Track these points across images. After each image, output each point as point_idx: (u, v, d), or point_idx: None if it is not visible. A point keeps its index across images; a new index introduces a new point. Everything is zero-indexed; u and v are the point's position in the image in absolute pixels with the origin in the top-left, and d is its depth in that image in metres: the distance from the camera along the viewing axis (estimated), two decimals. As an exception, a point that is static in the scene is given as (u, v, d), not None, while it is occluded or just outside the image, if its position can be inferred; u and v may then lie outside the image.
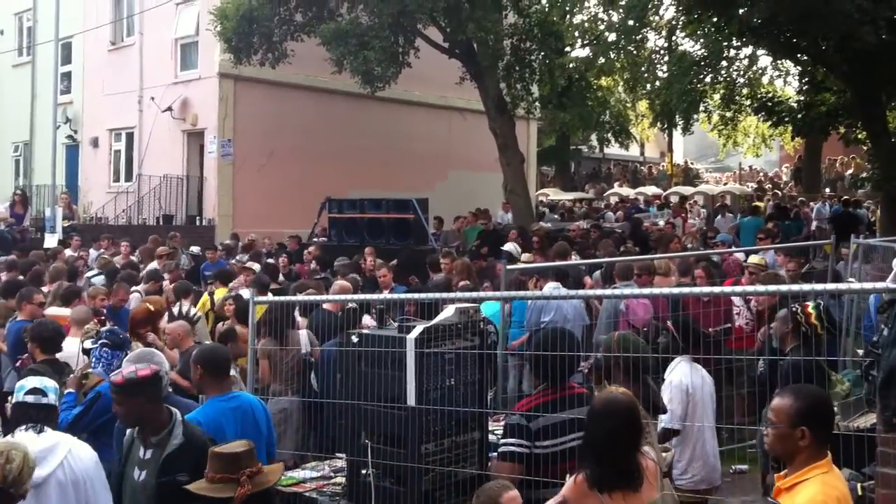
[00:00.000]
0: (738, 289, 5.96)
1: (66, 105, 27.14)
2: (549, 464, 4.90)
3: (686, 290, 6.00)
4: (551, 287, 9.52)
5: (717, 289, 6.01)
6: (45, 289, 10.65)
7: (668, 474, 5.31)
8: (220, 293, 11.35)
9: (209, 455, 4.08)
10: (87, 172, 27.32)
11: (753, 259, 11.25)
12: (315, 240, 19.29)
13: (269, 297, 9.06)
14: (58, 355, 6.90)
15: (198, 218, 23.70)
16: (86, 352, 6.71)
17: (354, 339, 5.75)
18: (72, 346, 7.15)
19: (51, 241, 19.42)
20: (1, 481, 3.66)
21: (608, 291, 7.12)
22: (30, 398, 4.44)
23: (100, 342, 6.47)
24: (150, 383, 4.62)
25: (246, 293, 9.55)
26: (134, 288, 11.60)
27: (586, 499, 4.06)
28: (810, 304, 6.54)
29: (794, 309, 6.45)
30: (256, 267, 12.72)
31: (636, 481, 4.05)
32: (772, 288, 6.12)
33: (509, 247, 14.77)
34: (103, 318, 8.08)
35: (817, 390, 3.93)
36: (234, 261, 15.49)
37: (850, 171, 34.50)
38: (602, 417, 4.09)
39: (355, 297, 9.04)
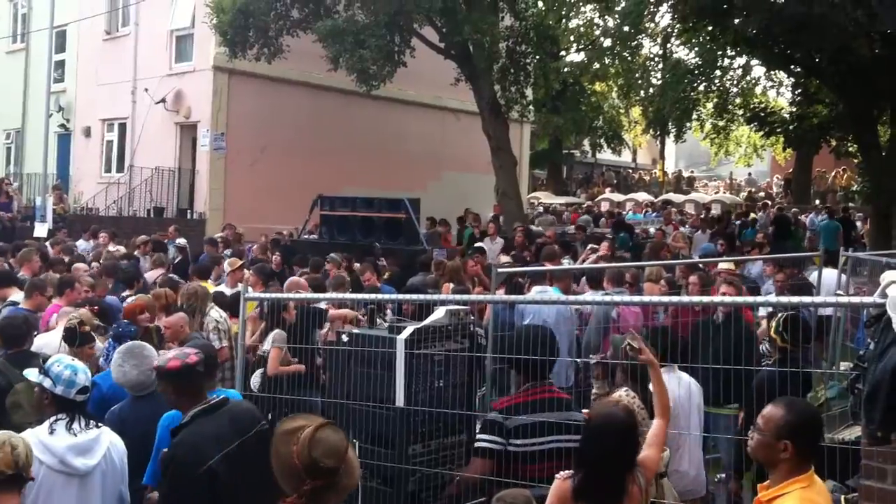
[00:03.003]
0: (727, 299, 5.99)
1: (59, 94, 27.04)
2: (522, 463, 4.92)
3: (676, 298, 6.04)
4: (537, 290, 9.53)
5: (706, 298, 6.05)
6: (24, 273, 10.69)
7: (664, 475, 5.36)
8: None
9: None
10: (79, 162, 27.23)
11: (724, 265, 11.29)
12: (305, 237, 19.29)
13: (260, 293, 9.05)
14: (42, 344, 6.88)
15: (189, 211, 23.65)
16: (66, 338, 6.71)
17: (345, 338, 5.77)
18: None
19: (41, 230, 19.36)
20: (13, 467, 3.87)
21: (598, 298, 7.15)
22: (80, 398, 4.50)
23: (109, 335, 6.58)
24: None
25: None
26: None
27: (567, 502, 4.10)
28: (775, 319, 6.64)
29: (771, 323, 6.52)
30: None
31: (620, 500, 4.10)
32: (760, 299, 6.16)
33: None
34: (96, 307, 8.03)
35: (809, 406, 3.95)
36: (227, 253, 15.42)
37: (840, 184, 34.69)
38: (599, 434, 4.11)
39: (347, 296, 9.05)
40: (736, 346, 6.51)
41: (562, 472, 4.22)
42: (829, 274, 11.16)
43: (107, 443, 4.57)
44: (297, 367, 8.10)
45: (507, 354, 5.27)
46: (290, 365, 8.12)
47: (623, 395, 5.17)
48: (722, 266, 11.26)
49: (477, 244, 15.23)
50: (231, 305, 8.92)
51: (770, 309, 7.75)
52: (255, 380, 8.20)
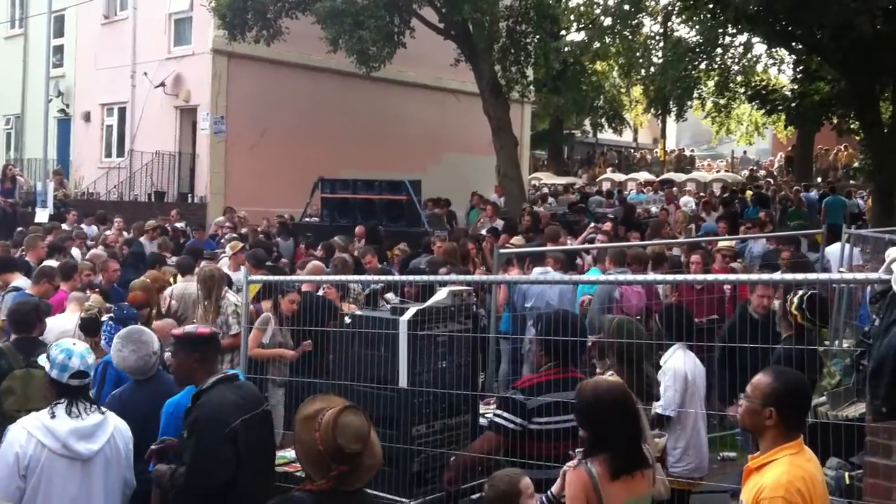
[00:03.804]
0: (731, 277, 5.98)
1: (59, 79, 26.97)
2: (540, 440, 4.94)
3: (681, 277, 6.03)
4: (539, 272, 9.52)
5: (710, 276, 6.04)
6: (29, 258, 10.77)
7: (660, 460, 5.35)
8: None
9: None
10: (79, 147, 27.20)
11: (723, 243, 11.28)
12: (307, 219, 19.27)
13: (263, 276, 9.03)
14: (53, 329, 6.90)
15: (190, 195, 23.64)
16: (85, 328, 6.76)
17: (347, 319, 5.76)
18: (68, 322, 7.17)
19: (42, 215, 19.34)
20: None
21: (602, 277, 7.13)
22: (74, 382, 4.46)
23: (108, 316, 6.73)
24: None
25: (237, 275, 9.54)
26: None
27: (590, 490, 4.00)
28: (797, 295, 6.63)
29: (786, 299, 6.51)
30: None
31: (649, 466, 4.13)
32: (765, 277, 6.15)
33: None
34: (97, 290, 8.07)
35: (797, 376, 3.95)
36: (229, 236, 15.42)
37: (842, 161, 34.63)
38: (610, 411, 4.05)
39: (350, 277, 9.02)
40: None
41: (570, 463, 4.12)
42: (833, 250, 11.16)
43: (111, 428, 4.55)
44: (279, 352, 8.10)
45: (542, 336, 5.30)
46: (282, 349, 8.11)
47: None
48: (721, 244, 11.26)
49: (480, 225, 15.23)
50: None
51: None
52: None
